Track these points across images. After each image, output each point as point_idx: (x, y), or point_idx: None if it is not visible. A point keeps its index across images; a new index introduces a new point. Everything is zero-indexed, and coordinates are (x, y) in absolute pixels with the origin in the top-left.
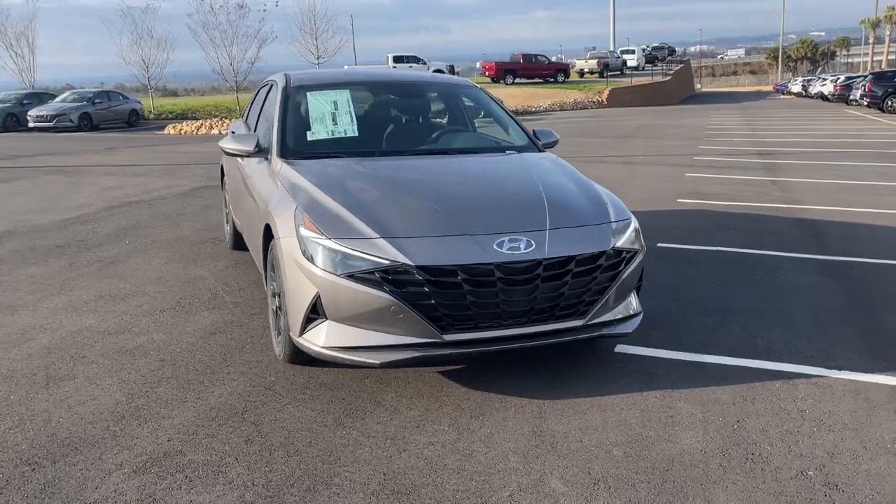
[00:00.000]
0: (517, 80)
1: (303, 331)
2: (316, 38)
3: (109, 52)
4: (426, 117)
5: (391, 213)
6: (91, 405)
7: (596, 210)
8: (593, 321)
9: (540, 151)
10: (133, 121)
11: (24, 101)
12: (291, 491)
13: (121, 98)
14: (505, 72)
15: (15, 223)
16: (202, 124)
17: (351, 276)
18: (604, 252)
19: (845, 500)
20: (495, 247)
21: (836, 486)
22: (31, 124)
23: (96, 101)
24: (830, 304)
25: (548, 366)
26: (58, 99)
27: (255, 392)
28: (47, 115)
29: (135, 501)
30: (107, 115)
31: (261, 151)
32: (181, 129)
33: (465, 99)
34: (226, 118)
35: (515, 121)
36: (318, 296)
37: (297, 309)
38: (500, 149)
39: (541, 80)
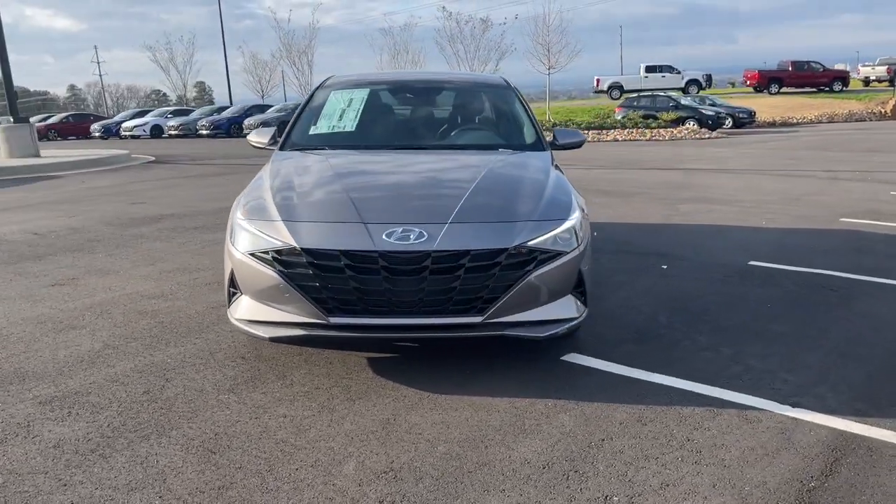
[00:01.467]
0: (783, 89)
1: (229, 304)
2: (548, 50)
3: (370, 67)
4: (438, 115)
5: (308, 201)
6: (70, 350)
7: (522, 208)
8: (494, 319)
9: (543, 151)
10: None
11: (248, 112)
12: (130, 436)
13: None
14: (769, 81)
15: (186, 208)
16: None
17: (252, 255)
18: (504, 250)
19: None
20: (384, 236)
21: None
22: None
23: None
24: (865, 337)
25: (476, 363)
26: (272, 109)
27: (196, 357)
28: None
29: (17, 424)
30: None
31: (274, 144)
32: None
33: (488, 98)
34: None
35: (532, 121)
36: (233, 272)
37: (225, 284)
38: (493, 147)
39: (814, 90)
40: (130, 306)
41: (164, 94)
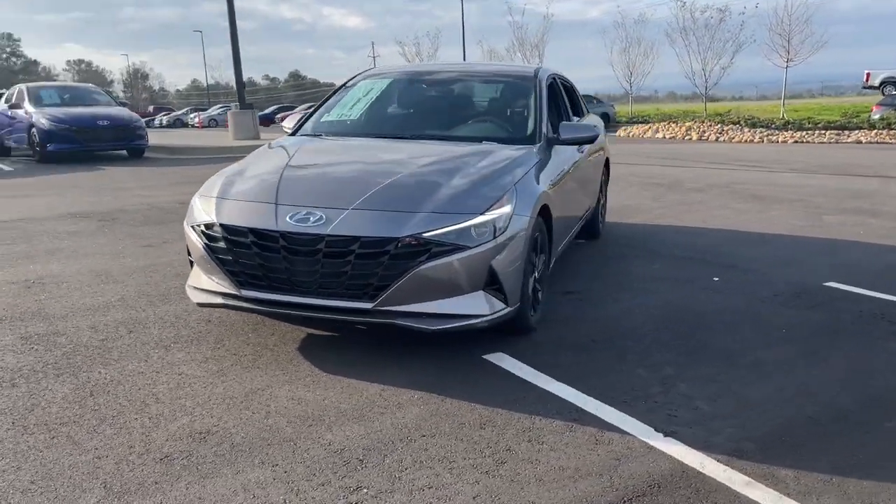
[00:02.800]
0: None
1: (190, 272)
2: (788, 41)
3: (600, 60)
4: (446, 107)
5: (246, 180)
6: (93, 299)
7: (433, 199)
8: (385, 307)
9: (530, 145)
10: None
11: None
12: (49, 372)
13: (594, 102)
14: None
15: None
16: (649, 127)
17: (192, 228)
18: (394, 239)
19: None
20: (287, 217)
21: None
22: None
23: None
24: (857, 382)
25: (400, 349)
26: None
27: (174, 316)
28: None
29: None
30: None
31: (295, 130)
32: (630, 132)
33: (505, 90)
34: (674, 122)
35: (539, 114)
36: (186, 243)
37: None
38: (478, 139)
39: None
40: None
41: None
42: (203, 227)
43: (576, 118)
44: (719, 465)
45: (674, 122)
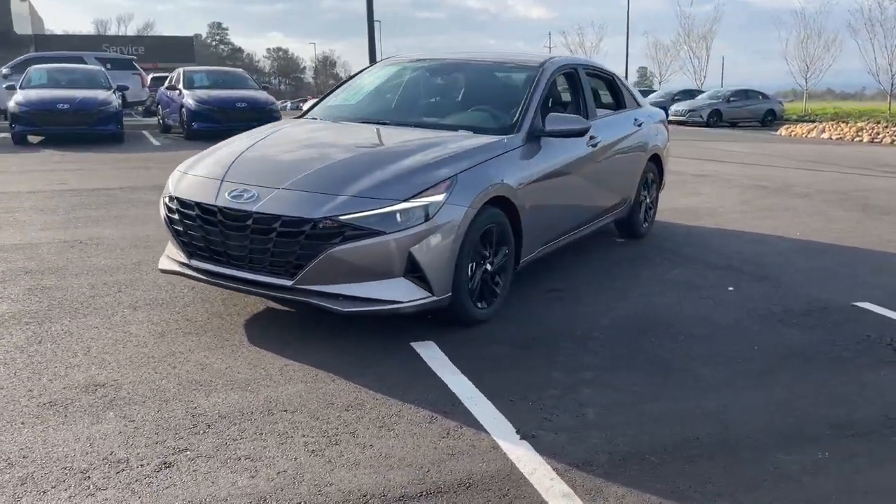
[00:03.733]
0: None
1: None
2: None
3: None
4: (442, 95)
5: (210, 157)
6: (86, 260)
7: (359, 183)
8: (303, 286)
9: (504, 135)
10: (768, 120)
11: (675, 98)
12: (24, 319)
13: (759, 98)
14: None
15: None
16: (815, 126)
17: (161, 200)
18: (310, 219)
19: None
20: (226, 193)
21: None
22: (669, 118)
23: (731, 98)
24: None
25: (337, 330)
26: (702, 96)
27: (165, 278)
28: (682, 111)
29: None
30: (739, 112)
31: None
32: (792, 132)
33: (506, 80)
34: (844, 122)
35: (527, 105)
36: None
37: None
38: (454, 128)
39: None
40: (101, 246)
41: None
42: (166, 200)
43: (604, 112)
44: (551, 474)
45: (843, 123)
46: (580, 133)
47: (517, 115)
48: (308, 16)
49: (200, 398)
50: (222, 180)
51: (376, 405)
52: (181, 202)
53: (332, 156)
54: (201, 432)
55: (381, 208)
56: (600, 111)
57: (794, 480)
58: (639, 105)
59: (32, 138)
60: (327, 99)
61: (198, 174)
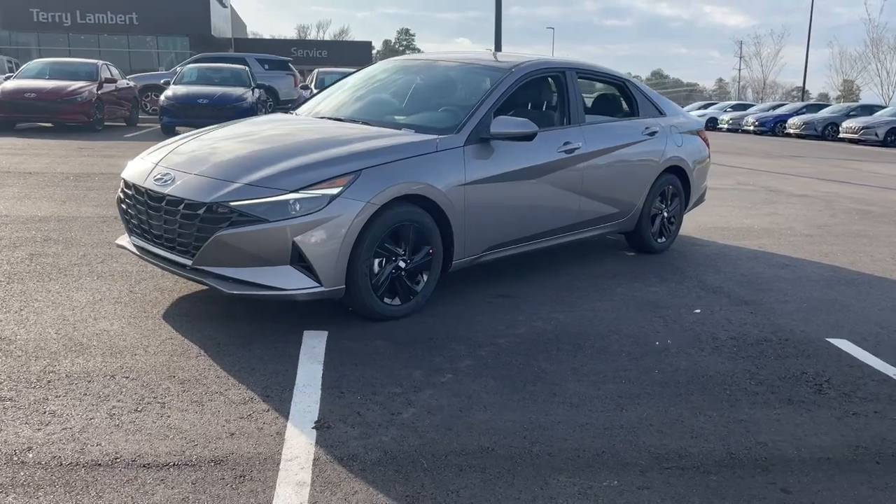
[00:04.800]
0: None
1: None
2: None
3: None
4: (410, 95)
5: (170, 145)
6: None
7: (257, 172)
8: (199, 266)
9: (446, 135)
10: None
11: (850, 113)
12: (10, 278)
13: None
14: None
15: None
16: None
17: None
18: (204, 203)
19: None
20: (153, 177)
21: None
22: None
23: None
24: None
25: (244, 314)
26: (882, 112)
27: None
28: (856, 128)
29: None
30: None
31: None
32: None
33: (473, 82)
34: None
35: (477, 108)
36: None
37: None
38: (400, 126)
39: None
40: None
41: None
42: (122, 180)
43: (600, 118)
44: (306, 464)
45: None
46: (527, 137)
47: (463, 117)
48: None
49: (68, 358)
50: (156, 165)
51: (212, 382)
52: (125, 183)
53: (251, 147)
54: (37, 387)
55: (269, 197)
56: (595, 117)
57: (549, 499)
58: (661, 113)
59: (181, 129)
60: (318, 96)
61: (144, 159)
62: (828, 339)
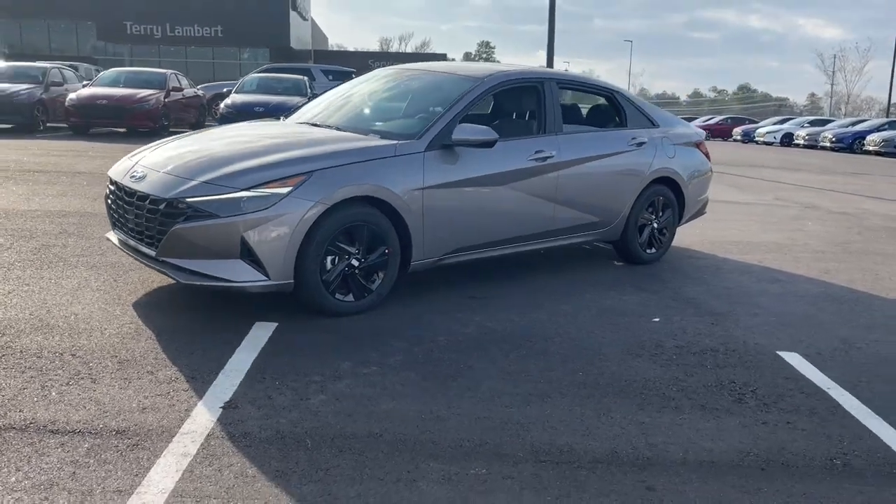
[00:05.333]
0: None
1: None
2: None
3: None
4: (387, 103)
5: (151, 146)
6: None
7: (217, 171)
8: (161, 258)
9: (407, 140)
10: None
11: None
12: (20, 262)
13: None
14: None
15: None
16: None
17: None
18: (164, 199)
19: None
20: (129, 174)
21: None
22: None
23: None
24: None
25: (207, 303)
26: None
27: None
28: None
29: None
30: None
31: None
32: None
33: (448, 91)
34: None
35: (442, 116)
36: None
37: None
38: (366, 131)
39: None
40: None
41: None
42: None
43: (580, 128)
44: (198, 438)
45: None
46: (487, 144)
47: (426, 124)
48: (579, 35)
49: (29, 336)
50: (136, 163)
51: (148, 363)
52: (110, 179)
53: (219, 148)
54: None
55: (221, 194)
56: (577, 127)
57: (403, 483)
58: (653, 125)
59: None
60: (311, 102)
61: (130, 158)
62: (778, 353)
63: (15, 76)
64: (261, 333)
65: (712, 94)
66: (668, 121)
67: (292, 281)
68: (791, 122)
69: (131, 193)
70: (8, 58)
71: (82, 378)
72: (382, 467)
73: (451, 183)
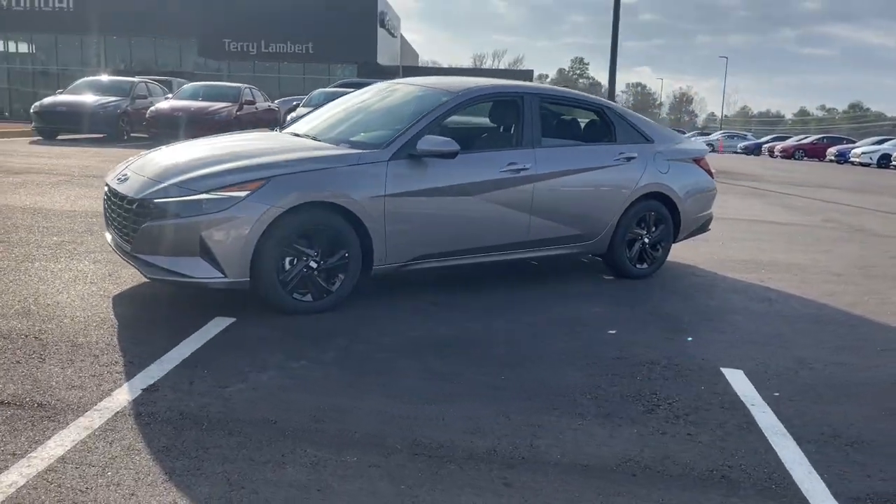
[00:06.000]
0: None
1: None
2: None
3: None
4: (366, 114)
5: (150, 152)
6: None
7: (189, 174)
8: (134, 253)
9: (366, 150)
10: None
11: None
12: (40, 253)
13: None
14: None
15: None
16: None
17: None
18: (136, 199)
19: None
20: (116, 177)
21: None
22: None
23: None
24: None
25: (178, 296)
26: None
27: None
28: None
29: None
30: None
31: None
32: None
33: (420, 104)
34: None
35: (410, 127)
36: None
37: None
38: (339, 142)
39: None
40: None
41: None
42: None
43: (562, 142)
44: (109, 416)
45: None
46: (449, 155)
47: (394, 135)
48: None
49: (6, 321)
50: (126, 168)
51: (97, 349)
52: (105, 183)
53: (198, 154)
54: None
55: (184, 196)
56: (557, 141)
57: (272, 465)
58: (646, 140)
59: None
60: (311, 114)
61: (124, 164)
62: (722, 369)
63: (107, 89)
64: (214, 327)
65: (820, 113)
66: (664, 137)
67: (248, 279)
68: (890, 142)
69: (115, 194)
70: (120, 73)
71: (33, 358)
72: (260, 450)
73: (415, 192)
